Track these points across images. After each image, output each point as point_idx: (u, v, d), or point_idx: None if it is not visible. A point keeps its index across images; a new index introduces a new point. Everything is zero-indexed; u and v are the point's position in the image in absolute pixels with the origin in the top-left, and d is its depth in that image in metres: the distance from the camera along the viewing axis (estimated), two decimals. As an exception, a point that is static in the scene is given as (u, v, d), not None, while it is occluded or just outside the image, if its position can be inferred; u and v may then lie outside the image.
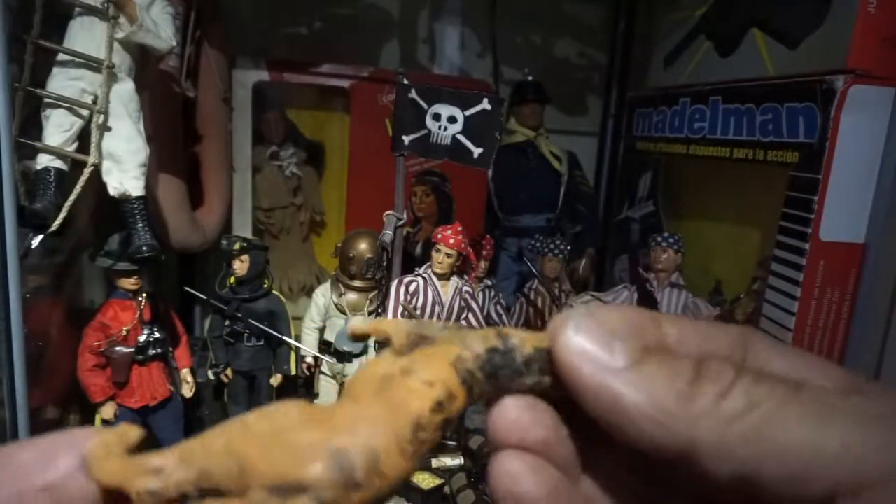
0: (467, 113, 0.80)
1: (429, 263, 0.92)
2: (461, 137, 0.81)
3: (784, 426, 0.17)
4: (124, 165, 0.70)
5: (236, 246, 0.96)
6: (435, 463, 0.90)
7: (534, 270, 1.13)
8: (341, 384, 1.08)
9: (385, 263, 0.92)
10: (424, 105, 0.82)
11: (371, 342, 0.96)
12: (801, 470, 0.16)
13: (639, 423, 0.19)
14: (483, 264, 1.08)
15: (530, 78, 1.31)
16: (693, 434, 0.18)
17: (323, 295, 1.01)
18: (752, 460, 0.17)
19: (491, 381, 0.21)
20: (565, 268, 1.16)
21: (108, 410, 0.83)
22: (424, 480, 0.87)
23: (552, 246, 1.12)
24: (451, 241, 0.89)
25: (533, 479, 0.21)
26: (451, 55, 1.42)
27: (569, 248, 1.14)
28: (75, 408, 0.86)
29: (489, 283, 1.10)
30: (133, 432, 0.17)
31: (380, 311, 0.96)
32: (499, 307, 1.09)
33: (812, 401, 0.17)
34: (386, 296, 0.92)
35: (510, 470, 0.21)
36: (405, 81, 0.84)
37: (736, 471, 0.17)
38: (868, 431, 0.17)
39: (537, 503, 0.21)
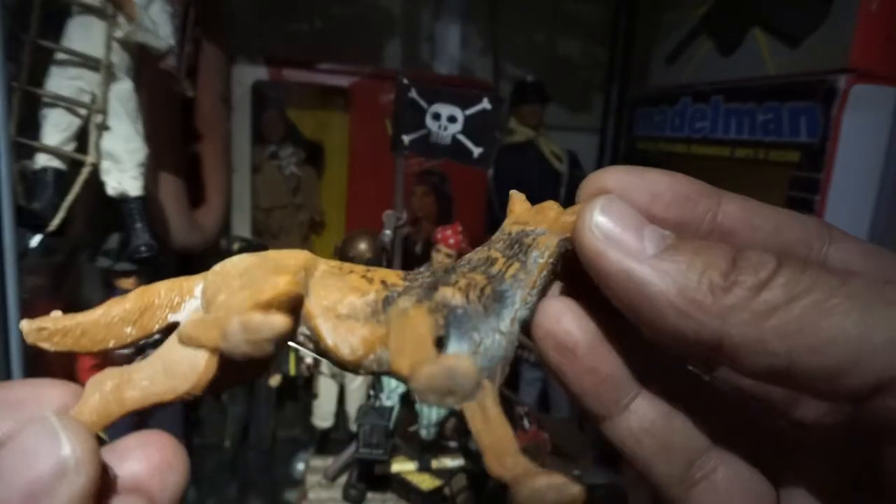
0: (467, 112, 0.80)
1: (428, 263, 0.91)
2: (461, 137, 0.81)
3: (827, 318, 0.16)
4: (123, 165, 0.69)
5: (236, 246, 0.96)
6: (435, 464, 0.90)
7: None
8: (341, 385, 1.08)
9: (385, 263, 0.92)
10: (424, 105, 0.82)
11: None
12: (842, 363, 0.15)
13: (665, 314, 0.17)
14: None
15: (530, 78, 1.31)
16: (724, 328, 0.17)
17: (323, 295, 1.01)
18: (788, 355, 0.16)
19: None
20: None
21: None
22: (424, 482, 0.86)
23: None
24: (451, 241, 0.89)
25: (575, 320, 0.20)
26: (452, 54, 1.42)
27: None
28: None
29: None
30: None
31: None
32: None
33: (860, 291, 0.16)
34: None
35: (552, 311, 0.20)
36: (405, 81, 0.84)
37: (771, 366, 0.16)
38: None
39: (576, 346, 0.20)
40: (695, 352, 0.18)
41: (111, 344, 0.20)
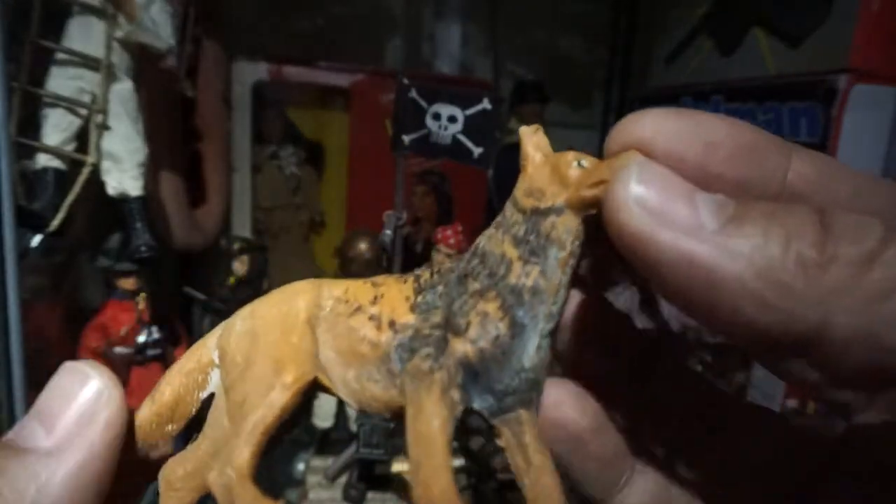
0: (467, 112, 0.80)
1: (428, 263, 0.91)
2: (461, 137, 0.80)
3: None
4: (123, 165, 0.69)
5: (236, 246, 0.96)
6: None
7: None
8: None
9: (385, 264, 0.92)
10: (424, 105, 0.82)
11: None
12: None
13: (741, 303, 0.13)
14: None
15: (531, 78, 1.31)
16: (822, 317, 0.13)
17: (323, 295, 1.01)
18: None
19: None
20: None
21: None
22: (424, 481, 0.86)
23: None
24: (451, 241, 0.89)
25: (577, 405, 0.18)
26: (453, 53, 1.42)
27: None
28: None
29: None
30: None
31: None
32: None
33: None
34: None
35: (552, 399, 0.18)
36: (405, 81, 0.83)
37: (882, 364, 0.13)
38: None
39: (583, 433, 0.18)
40: (777, 352, 0.14)
41: (161, 447, 0.22)
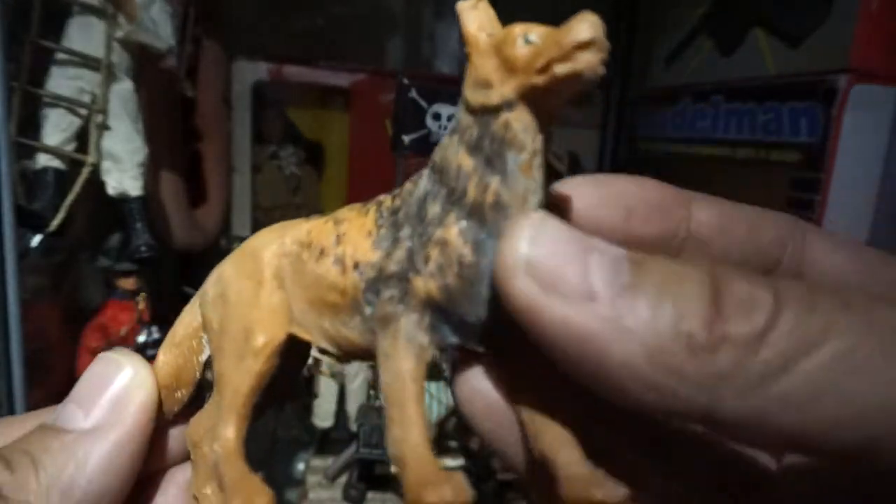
0: (468, 112, 0.80)
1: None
2: (461, 137, 0.80)
3: (852, 377, 0.11)
4: (123, 165, 0.69)
5: (236, 246, 0.96)
6: (435, 464, 0.90)
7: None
8: (341, 384, 1.08)
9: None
10: (424, 105, 0.82)
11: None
12: (878, 436, 0.11)
13: (630, 386, 0.13)
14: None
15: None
16: (711, 402, 0.12)
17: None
18: (800, 429, 0.12)
19: None
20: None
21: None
22: (424, 481, 0.86)
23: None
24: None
25: (491, 376, 0.18)
26: (453, 53, 1.42)
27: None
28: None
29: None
30: None
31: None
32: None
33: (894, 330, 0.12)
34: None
35: (471, 374, 0.18)
36: (405, 81, 0.83)
37: (774, 443, 0.13)
38: None
39: (498, 401, 0.17)
40: (672, 428, 0.14)
41: (175, 409, 0.22)
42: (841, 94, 0.77)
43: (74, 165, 0.67)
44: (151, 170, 0.78)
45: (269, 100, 1.23)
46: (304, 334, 0.19)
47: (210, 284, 0.21)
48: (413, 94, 0.83)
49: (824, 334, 0.12)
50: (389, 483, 0.89)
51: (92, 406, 0.19)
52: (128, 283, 0.83)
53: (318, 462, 0.96)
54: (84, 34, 0.66)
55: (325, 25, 1.32)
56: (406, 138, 0.84)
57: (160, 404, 0.21)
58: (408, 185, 0.18)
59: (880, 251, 0.17)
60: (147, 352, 0.85)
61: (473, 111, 0.16)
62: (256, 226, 1.25)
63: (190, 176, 1.05)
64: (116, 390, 0.19)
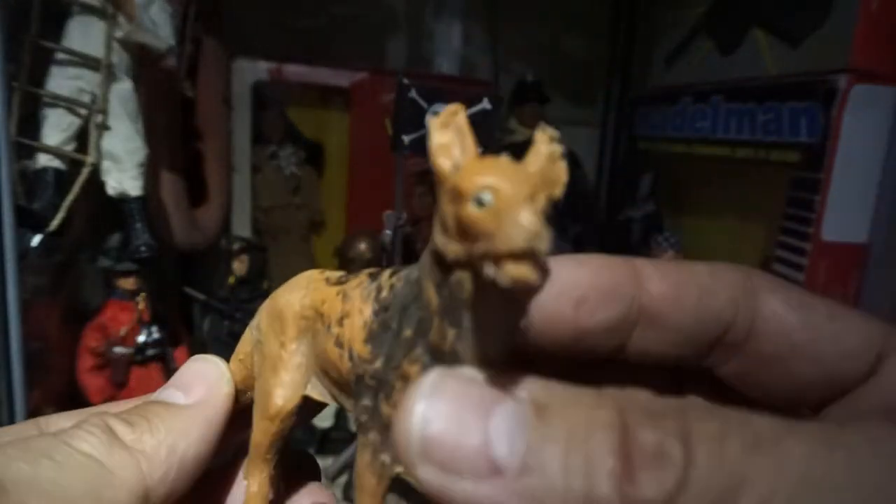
0: (467, 113, 0.80)
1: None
2: (461, 137, 0.80)
3: None
4: (123, 165, 0.69)
5: (236, 246, 0.96)
6: (435, 464, 0.90)
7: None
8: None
9: (385, 264, 0.92)
10: (424, 105, 0.82)
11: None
12: None
13: None
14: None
15: (530, 77, 1.31)
16: None
17: (323, 295, 1.01)
18: None
19: None
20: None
21: (107, 411, 0.83)
22: (424, 481, 0.86)
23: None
24: (452, 241, 0.89)
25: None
26: (453, 53, 1.42)
27: (570, 247, 1.14)
28: (74, 409, 0.86)
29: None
30: None
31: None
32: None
33: (815, 477, 0.11)
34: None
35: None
36: (405, 81, 0.83)
37: None
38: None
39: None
40: None
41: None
42: (841, 94, 0.77)
43: (74, 165, 0.67)
44: (151, 170, 0.78)
45: (269, 100, 1.23)
46: (318, 397, 0.21)
47: (254, 325, 0.24)
48: (413, 94, 0.83)
49: (736, 489, 0.11)
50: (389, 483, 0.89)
51: (190, 390, 0.22)
52: (128, 283, 0.83)
53: (318, 462, 0.96)
54: (84, 34, 0.66)
55: (326, 25, 1.32)
56: (406, 138, 0.84)
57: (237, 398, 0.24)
58: (400, 278, 0.17)
59: (830, 302, 0.17)
60: (147, 352, 0.85)
61: (433, 251, 0.14)
62: (256, 226, 1.25)
63: (190, 176, 1.05)
64: (209, 380, 0.23)
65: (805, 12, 0.84)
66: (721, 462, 0.12)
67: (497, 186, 0.12)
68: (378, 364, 0.16)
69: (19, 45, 0.63)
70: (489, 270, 0.12)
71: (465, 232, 0.12)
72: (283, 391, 0.21)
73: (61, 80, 0.66)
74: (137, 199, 0.71)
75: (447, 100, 0.80)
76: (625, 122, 1.36)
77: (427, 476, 0.12)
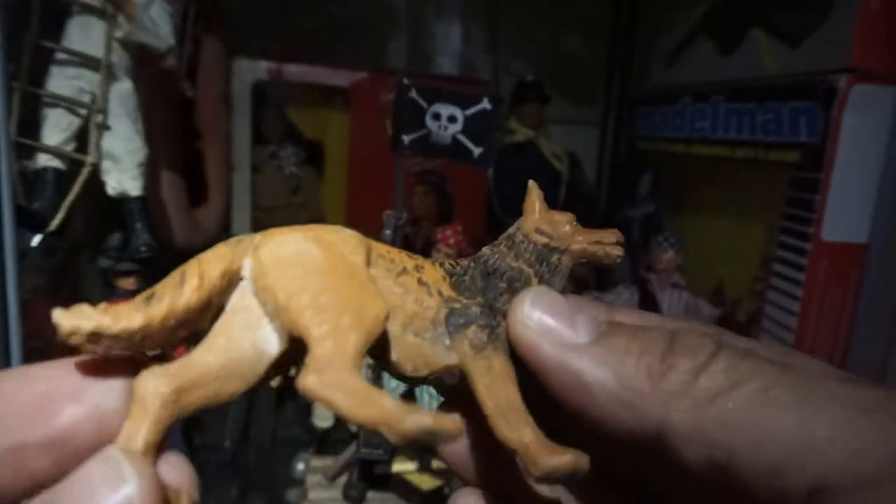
0: (467, 112, 0.80)
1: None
2: (461, 137, 0.80)
3: (769, 409, 0.15)
4: (123, 165, 0.69)
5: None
6: (435, 464, 0.90)
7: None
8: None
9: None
10: (424, 104, 0.82)
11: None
12: (784, 459, 0.14)
13: (603, 403, 0.17)
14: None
15: (530, 78, 1.31)
16: (664, 415, 0.16)
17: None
18: (729, 446, 0.15)
19: None
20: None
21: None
22: (424, 482, 0.86)
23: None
24: (451, 241, 0.89)
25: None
26: (453, 53, 1.42)
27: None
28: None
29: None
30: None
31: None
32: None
33: (803, 384, 0.15)
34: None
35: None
36: (405, 81, 0.83)
37: (711, 458, 0.15)
38: (868, 421, 0.14)
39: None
40: (639, 442, 0.17)
41: (182, 333, 0.20)
42: (841, 94, 0.77)
43: (74, 165, 0.67)
44: (151, 170, 0.78)
45: (269, 100, 1.23)
46: None
47: (295, 236, 0.20)
48: (413, 94, 0.83)
49: (750, 376, 0.16)
50: (389, 483, 0.89)
51: None
52: (128, 283, 0.83)
53: (318, 462, 0.96)
54: (84, 34, 0.66)
55: (326, 25, 1.32)
56: (406, 138, 0.84)
57: None
58: (464, 262, 0.24)
59: (784, 356, 0.18)
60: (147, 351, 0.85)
61: (534, 243, 0.23)
62: (256, 226, 1.25)
63: (190, 176, 1.05)
64: None
65: (805, 12, 0.84)
66: (741, 358, 0.16)
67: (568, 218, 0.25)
68: (476, 306, 0.21)
69: (19, 45, 0.63)
70: (594, 248, 0.23)
71: (561, 234, 0.23)
72: (378, 300, 0.19)
73: (61, 80, 0.66)
74: (137, 199, 0.71)
75: (447, 100, 0.80)
76: (625, 122, 1.36)
77: (527, 331, 0.18)
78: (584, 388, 0.17)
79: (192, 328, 0.20)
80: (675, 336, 0.17)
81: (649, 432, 0.16)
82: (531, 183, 0.25)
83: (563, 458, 0.17)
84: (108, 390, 0.18)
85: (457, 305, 0.21)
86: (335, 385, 0.16)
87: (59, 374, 0.18)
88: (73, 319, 0.18)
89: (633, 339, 0.18)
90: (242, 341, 0.19)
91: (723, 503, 0.17)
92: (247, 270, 0.20)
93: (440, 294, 0.21)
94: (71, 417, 0.17)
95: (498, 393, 0.19)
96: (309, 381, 0.16)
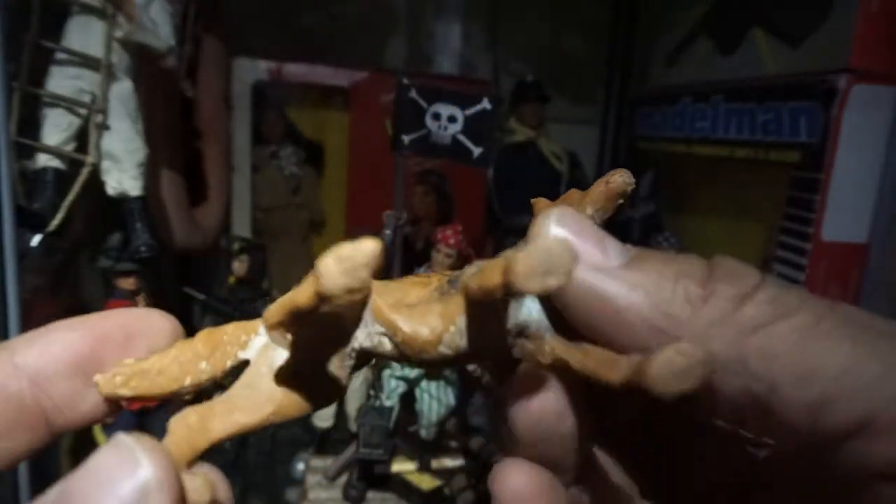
0: (467, 113, 0.80)
1: (428, 263, 0.91)
2: (461, 137, 0.81)
3: (817, 342, 0.14)
4: (123, 165, 0.69)
5: (236, 246, 0.96)
6: (435, 464, 0.90)
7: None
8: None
9: (385, 263, 0.92)
10: (424, 105, 0.82)
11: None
12: (830, 394, 0.13)
13: (635, 330, 0.15)
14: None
15: (530, 77, 1.31)
16: (703, 345, 0.14)
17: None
18: (772, 379, 0.14)
19: None
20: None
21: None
22: (424, 482, 0.86)
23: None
24: (451, 241, 0.89)
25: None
26: (453, 53, 1.42)
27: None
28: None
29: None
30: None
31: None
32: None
33: (853, 319, 0.14)
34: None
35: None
36: (405, 81, 0.83)
37: (750, 392, 0.14)
38: None
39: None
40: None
41: (187, 381, 0.20)
42: (841, 94, 0.77)
43: (74, 165, 0.67)
44: (151, 169, 0.78)
45: (269, 100, 1.23)
46: (378, 304, 0.21)
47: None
48: (413, 94, 0.83)
49: (798, 307, 0.15)
50: (389, 483, 0.89)
51: None
52: (128, 283, 0.83)
53: (318, 462, 0.96)
54: (84, 34, 0.66)
55: (326, 25, 1.32)
56: (406, 138, 0.84)
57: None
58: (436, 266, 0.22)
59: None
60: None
61: None
62: (256, 226, 1.25)
63: (190, 176, 1.05)
64: (125, 500, 0.14)
65: (805, 12, 0.84)
66: (788, 291, 0.15)
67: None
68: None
69: (19, 45, 0.63)
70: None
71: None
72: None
73: (61, 80, 0.66)
74: (137, 199, 0.71)
75: (447, 100, 0.80)
76: (625, 122, 1.36)
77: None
78: (614, 314, 0.15)
79: (213, 368, 0.21)
80: (715, 262, 0.16)
81: None
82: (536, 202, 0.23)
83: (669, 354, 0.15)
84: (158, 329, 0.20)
85: (457, 274, 0.20)
86: None
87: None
88: (108, 375, 0.20)
89: (669, 263, 0.16)
90: (262, 380, 0.20)
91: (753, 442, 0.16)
92: (262, 328, 0.21)
93: (439, 277, 0.21)
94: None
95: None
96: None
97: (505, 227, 1.34)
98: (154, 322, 0.20)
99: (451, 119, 0.80)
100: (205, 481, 0.16)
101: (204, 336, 0.21)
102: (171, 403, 0.89)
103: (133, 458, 0.14)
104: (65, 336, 0.18)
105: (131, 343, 0.19)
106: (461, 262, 0.92)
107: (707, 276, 0.15)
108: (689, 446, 0.20)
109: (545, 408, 0.18)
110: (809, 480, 0.17)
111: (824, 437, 0.14)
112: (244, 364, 0.20)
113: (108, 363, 0.19)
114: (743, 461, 0.18)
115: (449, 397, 0.90)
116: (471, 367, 0.76)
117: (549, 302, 0.17)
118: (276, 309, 0.17)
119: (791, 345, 0.14)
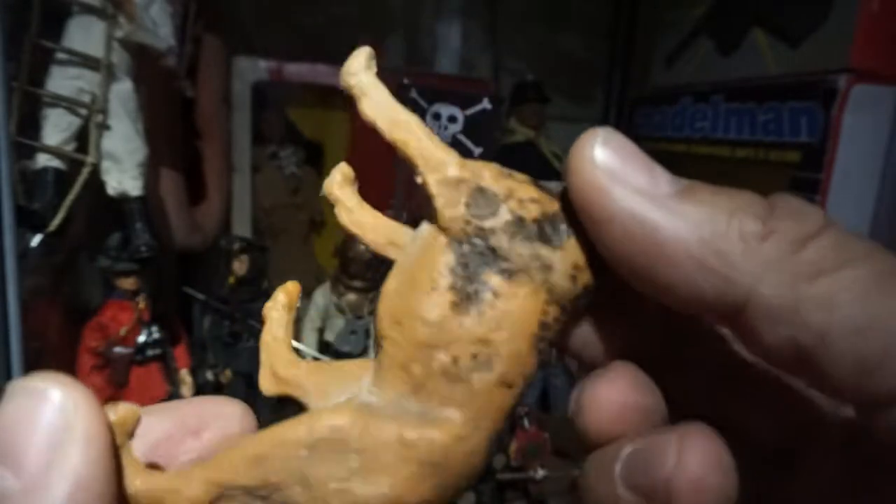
0: (467, 112, 0.80)
1: None
2: (461, 137, 0.81)
3: (882, 295, 0.13)
4: (123, 165, 0.69)
5: (236, 246, 0.96)
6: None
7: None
8: (341, 384, 1.08)
9: (384, 264, 0.92)
10: (424, 104, 0.82)
11: (370, 343, 0.95)
12: (887, 352, 0.12)
13: (679, 264, 0.14)
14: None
15: (530, 77, 1.31)
16: (752, 286, 0.13)
17: (323, 295, 1.01)
18: (825, 330, 0.13)
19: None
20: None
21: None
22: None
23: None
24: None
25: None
26: (453, 52, 1.42)
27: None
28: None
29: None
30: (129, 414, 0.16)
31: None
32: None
33: None
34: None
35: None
36: (405, 81, 0.84)
37: (797, 343, 0.13)
38: None
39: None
40: (709, 315, 0.15)
41: None
42: (841, 94, 0.77)
43: (74, 165, 0.67)
44: (151, 169, 0.78)
45: (269, 99, 1.23)
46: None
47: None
48: (413, 94, 0.83)
49: (865, 256, 0.13)
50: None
51: (20, 460, 0.13)
52: (128, 283, 0.83)
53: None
54: (84, 34, 0.66)
55: (326, 24, 1.32)
56: (406, 138, 0.84)
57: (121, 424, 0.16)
58: None
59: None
60: (147, 352, 0.85)
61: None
62: (256, 226, 1.25)
63: (190, 175, 1.05)
64: (47, 430, 0.13)
65: (805, 12, 0.84)
66: (855, 239, 0.14)
67: None
68: None
69: (19, 45, 0.63)
70: None
71: None
72: None
73: (61, 80, 0.66)
74: (137, 198, 0.71)
75: (447, 100, 0.81)
76: (625, 122, 1.35)
77: (596, 173, 0.15)
78: (657, 246, 0.14)
79: None
80: (776, 199, 0.15)
81: (727, 305, 0.14)
82: None
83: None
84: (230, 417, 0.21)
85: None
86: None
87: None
88: None
89: (725, 196, 0.15)
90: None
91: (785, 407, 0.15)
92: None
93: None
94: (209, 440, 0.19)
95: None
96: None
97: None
98: (224, 410, 0.21)
99: (452, 119, 0.80)
100: (128, 407, 0.16)
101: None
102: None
103: (41, 392, 0.14)
104: (148, 419, 0.18)
105: (204, 430, 0.20)
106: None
107: (767, 214, 0.14)
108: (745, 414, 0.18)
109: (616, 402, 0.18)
110: (847, 443, 0.16)
111: (871, 398, 0.13)
112: None
113: (181, 450, 0.19)
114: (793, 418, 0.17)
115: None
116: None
117: (587, 237, 0.16)
118: None
119: (854, 294, 0.13)
